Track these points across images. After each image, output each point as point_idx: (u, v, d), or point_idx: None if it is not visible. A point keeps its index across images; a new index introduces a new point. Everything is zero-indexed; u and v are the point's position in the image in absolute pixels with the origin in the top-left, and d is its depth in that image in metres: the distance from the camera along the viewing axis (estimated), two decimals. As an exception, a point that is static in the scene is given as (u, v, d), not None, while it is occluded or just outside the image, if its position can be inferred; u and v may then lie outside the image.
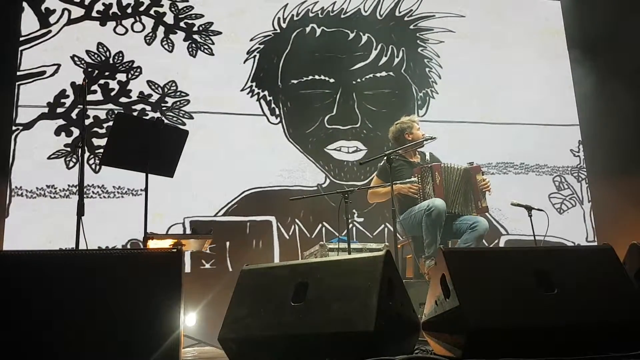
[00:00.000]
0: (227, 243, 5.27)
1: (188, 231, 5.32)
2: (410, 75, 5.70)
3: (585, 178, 6.79)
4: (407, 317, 2.54)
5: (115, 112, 6.12)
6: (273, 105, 5.51)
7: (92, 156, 5.71)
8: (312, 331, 2.39)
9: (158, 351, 2.34)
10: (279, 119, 5.46)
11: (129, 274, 2.42)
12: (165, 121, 5.88)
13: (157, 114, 6.20)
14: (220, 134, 5.91)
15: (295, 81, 5.48)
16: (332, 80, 5.50)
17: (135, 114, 6.12)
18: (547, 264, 2.56)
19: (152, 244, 3.48)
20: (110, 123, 5.91)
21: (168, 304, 2.38)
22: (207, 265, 5.31)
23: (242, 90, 5.57)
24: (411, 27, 5.64)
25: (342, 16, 5.48)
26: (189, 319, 4.62)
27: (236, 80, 6.18)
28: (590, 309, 2.47)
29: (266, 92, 5.56)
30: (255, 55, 5.62)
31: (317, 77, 5.44)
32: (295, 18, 5.47)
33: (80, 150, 3.33)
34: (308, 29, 5.55)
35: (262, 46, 5.63)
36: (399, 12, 5.61)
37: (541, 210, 4.79)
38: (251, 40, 5.66)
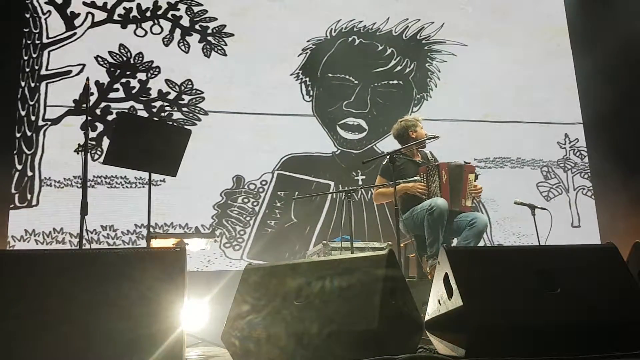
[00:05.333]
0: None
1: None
2: (415, 82, 6.41)
3: (571, 168, 6.62)
4: (410, 316, 2.27)
5: (135, 108, 5.95)
6: (309, 89, 6.16)
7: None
8: (315, 330, 2.12)
9: (161, 350, 2.08)
10: (311, 98, 6.12)
11: (132, 273, 2.16)
12: (168, 120, 5.74)
13: (174, 109, 5.97)
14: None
15: (330, 74, 6.24)
16: (356, 77, 6.25)
17: (154, 110, 5.89)
18: (550, 263, 2.30)
19: (155, 243, 3.19)
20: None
21: (171, 302, 2.14)
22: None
23: (291, 74, 6.19)
24: (425, 47, 6.47)
25: (378, 33, 6.37)
26: (193, 317, 4.35)
27: (240, 79, 6.15)
28: (593, 308, 2.22)
29: (307, 79, 6.17)
30: (307, 52, 6.19)
31: (346, 73, 6.23)
32: (343, 30, 6.28)
33: (83, 150, 3.02)
34: (350, 39, 6.32)
35: (314, 46, 6.24)
36: (420, 36, 6.46)
37: (544, 209, 4.46)
38: (308, 41, 6.24)
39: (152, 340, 2.07)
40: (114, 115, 5.81)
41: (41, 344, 2.03)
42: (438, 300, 2.28)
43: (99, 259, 2.17)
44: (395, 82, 6.33)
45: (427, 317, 2.36)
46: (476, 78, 6.57)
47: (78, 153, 3.19)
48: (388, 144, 6.07)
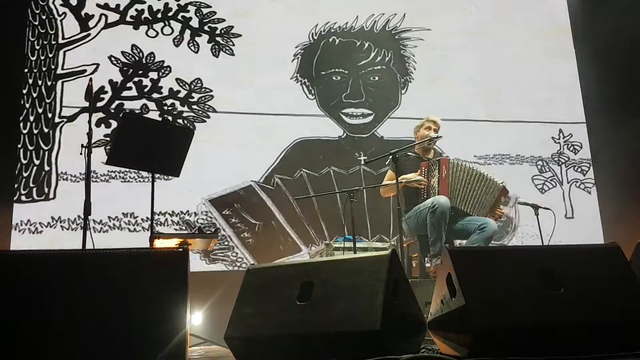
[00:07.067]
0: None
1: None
2: (396, 69, 6.50)
3: (565, 162, 6.49)
4: (412, 316, 2.12)
5: (147, 107, 5.79)
6: (310, 88, 6.20)
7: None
8: (318, 330, 2.00)
9: (165, 350, 1.95)
10: (313, 96, 6.17)
11: (135, 274, 2.03)
12: (171, 120, 5.66)
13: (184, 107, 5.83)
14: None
15: (323, 72, 6.32)
16: (346, 71, 6.33)
17: (165, 107, 5.78)
18: (553, 263, 2.14)
19: (159, 243, 3.03)
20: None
21: (174, 303, 2.00)
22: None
23: (291, 78, 6.21)
24: (396, 37, 6.57)
25: (352, 31, 6.47)
26: (196, 318, 4.19)
27: (242, 80, 6.01)
28: (597, 308, 2.08)
29: (306, 80, 6.22)
30: (298, 57, 6.25)
31: (337, 69, 6.31)
32: (322, 33, 6.37)
33: (87, 150, 2.85)
34: (331, 39, 6.39)
35: (302, 51, 6.29)
36: (388, 28, 6.56)
37: (548, 209, 4.28)
38: (296, 47, 6.28)
39: (155, 341, 1.95)
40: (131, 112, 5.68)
41: (42, 346, 1.90)
42: (441, 300, 2.14)
43: (101, 260, 2.02)
44: (379, 71, 6.44)
45: (430, 317, 2.21)
46: (478, 77, 6.46)
47: (81, 154, 3.04)
48: (386, 129, 6.22)
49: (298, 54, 6.27)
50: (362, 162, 6.00)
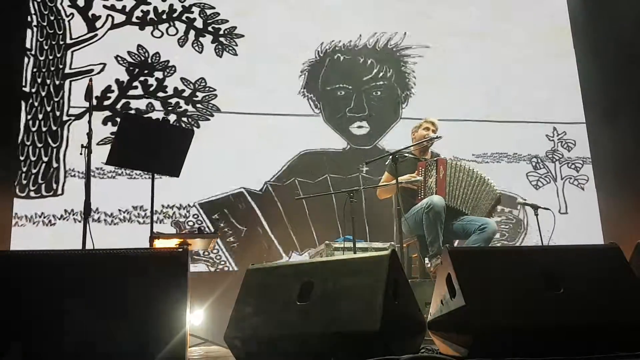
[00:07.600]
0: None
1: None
2: (397, 84, 6.54)
3: (559, 159, 6.47)
4: (412, 316, 2.07)
5: (152, 105, 5.74)
6: (316, 102, 6.22)
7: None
8: (318, 330, 1.95)
9: (164, 350, 1.89)
10: (319, 110, 6.19)
11: (135, 274, 1.98)
12: (171, 121, 5.61)
13: (190, 106, 5.80)
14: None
15: (329, 88, 6.34)
16: (350, 87, 6.35)
17: (171, 107, 5.74)
18: (554, 264, 2.09)
19: (159, 243, 2.97)
20: (148, 115, 5.52)
21: (174, 303, 1.95)
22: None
23: (298, 93, 6.23)
24: (397, 54, 6.59)
25: (356, 49, 6.50)
26: (196, 318, 4.13)
27: (243, 80, 5.97)
28: (597, 308, 2.03)
29: (312, 94, 6.24)
30: (305, 73, 6.25)
31: (341, 85, 6.35)
32: (328, 50, 6.39)
33: (86, 150, 2.79)
34: (336, 56, 6.42)
35: (309, 67, 6.30)
36: (389, 46, 6.58)
37: (547, 209, 4.21)
38: (303, 64, 6.29)
39: (155, 341, 1.90)
40: (133, 112, 5.63)
41: (43, 345, 1.85)
42: (441, 301, 2.08)
43: (101, 260, 1.97)
44: (381, 86, 6.46)
45: (429, 318, 2.16)
46: (478, 77, 6.39)
47: (81, 154, 2.98)
48: (388, 141, 6.13)
49: (305, 70, 6.28)
50: (363, 164, 5.85)
